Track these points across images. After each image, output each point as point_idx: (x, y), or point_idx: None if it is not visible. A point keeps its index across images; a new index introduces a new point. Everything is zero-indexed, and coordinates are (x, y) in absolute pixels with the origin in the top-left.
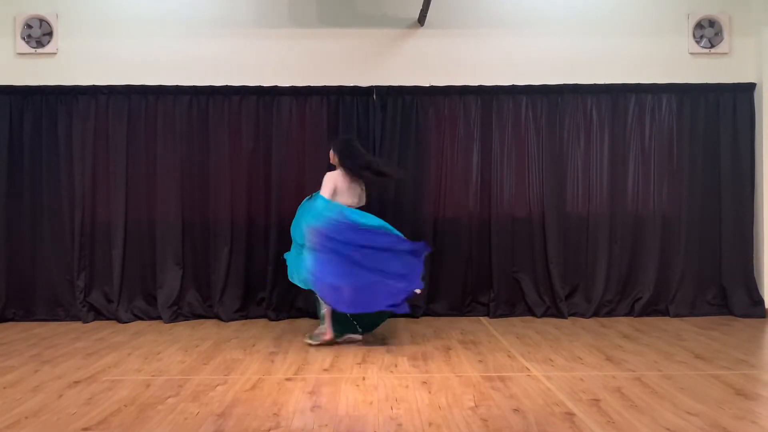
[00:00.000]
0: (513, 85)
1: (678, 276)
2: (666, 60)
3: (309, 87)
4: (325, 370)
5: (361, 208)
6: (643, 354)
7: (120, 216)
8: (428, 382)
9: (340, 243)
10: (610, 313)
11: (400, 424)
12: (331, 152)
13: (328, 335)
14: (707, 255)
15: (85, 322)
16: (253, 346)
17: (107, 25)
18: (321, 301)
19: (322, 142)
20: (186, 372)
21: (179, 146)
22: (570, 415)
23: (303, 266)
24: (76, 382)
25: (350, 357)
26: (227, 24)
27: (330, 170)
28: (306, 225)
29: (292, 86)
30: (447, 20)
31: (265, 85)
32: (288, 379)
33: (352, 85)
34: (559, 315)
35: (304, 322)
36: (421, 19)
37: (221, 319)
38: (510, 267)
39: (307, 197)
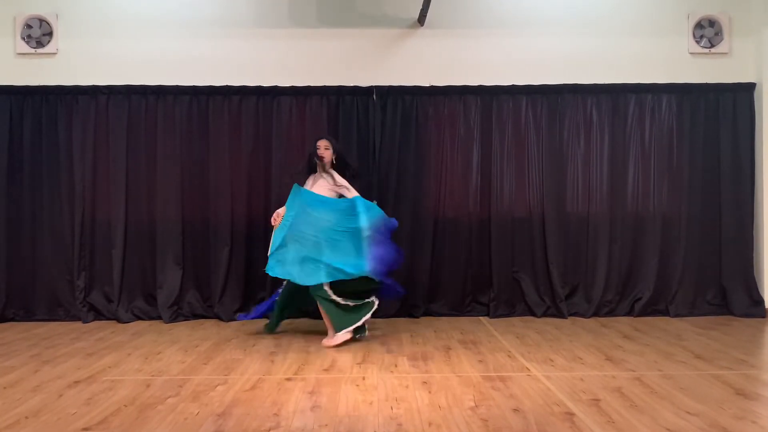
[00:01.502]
0: (513, 85)
1: (678, 276)
2: (666, 60)
3: (309, 87)
4: (325, 370)
5: None
6: (643, 354)
7: (120, 216)
8: (428, 382)
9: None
10: (610, 313)
11: (400, 424)
12: (331, 151)
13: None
14: (707, 255)
15: (85, 322)
16: (253, 346)
17: (107, 25)
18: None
19: None
20: (186, 372)
21: (179, 146)
22: (570, 415)
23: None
24: (76, 382)
25: (350, 357)
26: (227, 24)
27: (310, 169)
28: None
29: (292, 86)
30: (447, 20)
31: (265, 85)
32: (288, 379)
33: (352, 85)
34: (559, 315)
35: (304, 322)
36: (421, 19)
37: (221, 319)
38: (510, 267)
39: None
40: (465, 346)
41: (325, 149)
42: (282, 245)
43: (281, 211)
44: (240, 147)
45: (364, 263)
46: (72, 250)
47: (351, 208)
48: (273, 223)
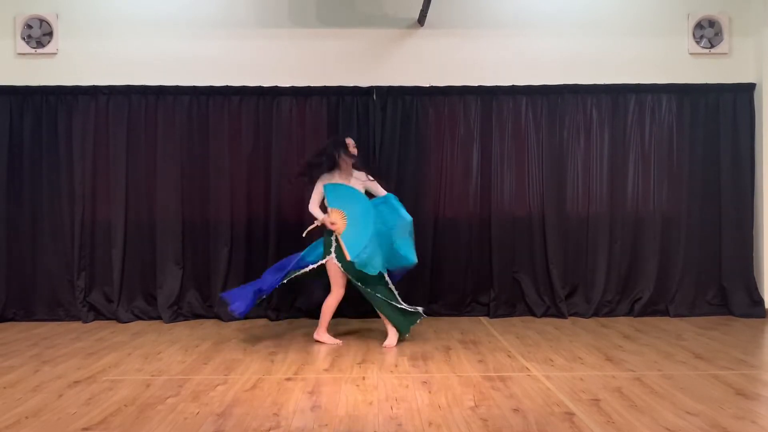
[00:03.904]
0: (513, 85)
1: (678, 276)
2: (666, 60)
3: (309, 87)
4: (325, 370)
5: None
6: (643, 354)
7: (120, 216)
8: (428, 382)
9: None
10: (610, 313)
11: (400, 424)
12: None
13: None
14: (707, 255)
15: (85, 322)
16: (253, 346)
17: (107, 25)
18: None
19: (322, 142)
20: (186, 372)
21: (179, 146)
22: (570, 415)
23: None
24: (76, 382)
25: (350, 357)
26: (227, 24)
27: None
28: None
29: (292, 86)
30: (447, 20)
31: (265, 85)
32: (288, 379)
33: (352, 85)
34: (559, 315)
35: (304, 322)
36: (421, 19)
37: (221, 319)
38: (510, 267)
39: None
40: (465, 346)
41: (353, 147)
42: (367, 245)
43: (330, 218)
44: (240, 147)
45: (413, 254)
46: (72, 250)
47: (387, 203)
48: (334, 228)
